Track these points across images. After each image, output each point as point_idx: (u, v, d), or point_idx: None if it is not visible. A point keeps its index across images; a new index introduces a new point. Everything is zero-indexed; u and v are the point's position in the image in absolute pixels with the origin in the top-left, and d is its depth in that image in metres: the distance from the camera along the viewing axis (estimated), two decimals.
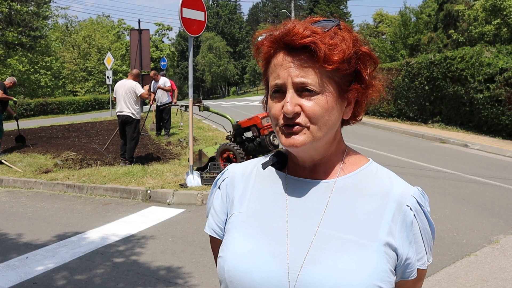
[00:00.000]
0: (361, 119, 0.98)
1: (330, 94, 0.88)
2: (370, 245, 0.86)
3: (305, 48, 0.86)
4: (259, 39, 0.95)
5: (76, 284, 3.80)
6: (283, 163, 0.99)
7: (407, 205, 0.90)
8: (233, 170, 1.04)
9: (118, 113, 8.58)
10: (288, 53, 0.88)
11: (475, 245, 4.43)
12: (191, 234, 5.04)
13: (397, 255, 0.88)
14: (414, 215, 0.90)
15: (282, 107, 0.87)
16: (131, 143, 8.55)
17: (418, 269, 0.91)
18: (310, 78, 0.86)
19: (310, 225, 0.89)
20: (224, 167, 7.03)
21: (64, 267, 4.18)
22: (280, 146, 0.97)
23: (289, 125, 0.87)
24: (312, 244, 0.87)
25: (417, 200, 0.91)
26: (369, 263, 0.84)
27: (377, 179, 0.94)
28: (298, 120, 0.87)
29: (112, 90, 11.04)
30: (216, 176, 5.51)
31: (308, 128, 0.87)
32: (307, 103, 0.86)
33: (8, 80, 9.89)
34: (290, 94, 0.86)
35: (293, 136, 0.87)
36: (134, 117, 8.46)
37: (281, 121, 0.88)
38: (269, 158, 1.00)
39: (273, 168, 0.99)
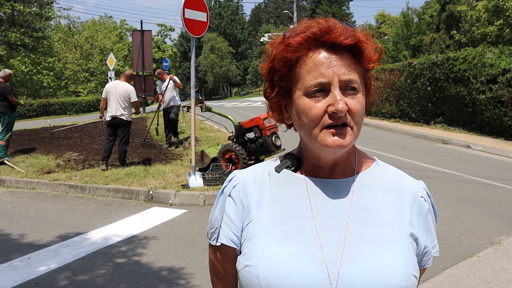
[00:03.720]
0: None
1: (363, 93, 0.90)
2: (398, 236, 0.89)
3: (348, 47, 0.87)
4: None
5: (78, 284, 3.81)
6: (297, 164, 0.97)
7: (421, 197, 0.96)
8: (241, 176, 0.99)
9: (110, 116, 8.20)
10: (330, 51, 0.87)
11: (477, 246, 4.42)
12: (193, 234, 5.04)
13: (417, 244, 0.92)
14: (427, 205, 0.96)
15: (327, 106, 0.85)
16: (123, 146, 8.33)
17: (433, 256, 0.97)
18: (354, 76, 0.87)
19: (338, 223, 0.89)
20: (226, 168, 7.02)
21: (66, 267, 4.19)
22: (286, 148, 0.95)
23: (338, 125, 0.85)
24: (345, 241, 0.87)
25: (427, 192, 0.98)
26: (402, 254, 0.87)
27: (388, 175, 0.98)
28: (345, 120, 0.85)
29: None
30: (217, 177, 5.47)
31: (351, 128, 0.87)
32: (352, 101, 0.86)
33: (3, 74, 9.16)
34: (338, 92, 0.85)
35: (341, 136, 0.85)
36: (126, 119, 8.23)
37: (327, 121, 0.85)
38: (282, 161, 0.99)
39: (288, 171, 0.97)
